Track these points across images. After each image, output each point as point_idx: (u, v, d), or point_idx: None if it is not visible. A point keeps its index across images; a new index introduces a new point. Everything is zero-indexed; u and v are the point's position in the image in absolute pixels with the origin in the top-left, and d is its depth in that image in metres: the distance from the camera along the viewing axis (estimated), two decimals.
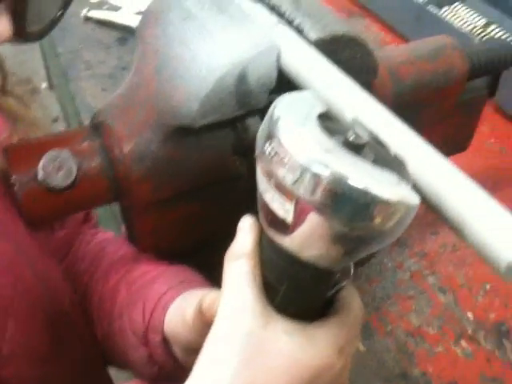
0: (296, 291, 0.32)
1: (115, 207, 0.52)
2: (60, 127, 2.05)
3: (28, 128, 0.55)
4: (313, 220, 0.26)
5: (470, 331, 0.61)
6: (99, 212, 0.56)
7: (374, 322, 0.62)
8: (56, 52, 1.09)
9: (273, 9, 0.44)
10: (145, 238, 0.51)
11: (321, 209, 0.26)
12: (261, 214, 0.31)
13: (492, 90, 0.68)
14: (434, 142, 0.65)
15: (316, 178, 0.25)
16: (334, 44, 0.41)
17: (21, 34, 0.41)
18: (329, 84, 0.36)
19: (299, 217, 0.27)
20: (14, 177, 0.43)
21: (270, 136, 0.28)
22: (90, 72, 1.01)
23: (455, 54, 0.57)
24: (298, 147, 0.26)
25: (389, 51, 0.58)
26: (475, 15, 0.95)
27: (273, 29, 0.41)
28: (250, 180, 0.32)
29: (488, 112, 0.68)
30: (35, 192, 0.43)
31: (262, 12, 0.43)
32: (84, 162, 0.45)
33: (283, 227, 0.28)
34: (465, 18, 0.95)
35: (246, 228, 0.34)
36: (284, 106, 0.29)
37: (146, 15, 0.49)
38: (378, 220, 0.25)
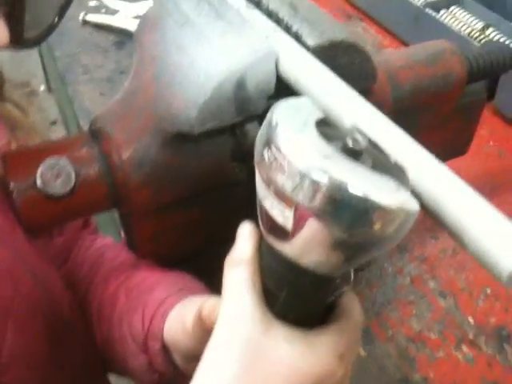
0: (296, 298, 0.32)
1: (114, 213, 0.52)
2: (58, 130, 2.05)
3: (26, 134, 0.55)
4: (312, 226, 0.26)
5: (470, 336, 0.61)
6: (99, 217, 0.56)
7: (375, 328, 0.62)
8: (54, 56, 1.09)
9: (270, 15, 0.44)
10: (144, 244, 0.51)
11: (320, 215, 0.26)
12: (260, 221, 0.31)
13: (491, 93, 0.68)
14: (434, 146, 0.65)
15: (315, 184, 0.25)
16: (332, 50, 0.41)
17: (18, 40, 0.41)
18: (327, 90, 0.36)
19: (298, 223, 0.27)
20: (12, 184, 0.43)
21: (268, 142, 0.28)
22: (87, 76, 1.01)
23: (454, 59, 0.57)
24: (296, 154, 0.26)
25: (387, 55, 0.58)
26: (473, 18, 0.95)
27: (271, 35, 0.41)
28: (250, 185, 0.32)
29: (487, 115, 0.68)
30: (33, 199, 0.43)
31: (260, 18, 0.43)
32: (82, 169, 0.44)
33: (283, 234, 0.28)
34: (462, 21, 0.95)
35: (246, 234, 0.34)
36: (282, 112, 0.29)
37: (144, 20, 0.49)
38: (377, 226, 0.25)
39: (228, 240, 0.36)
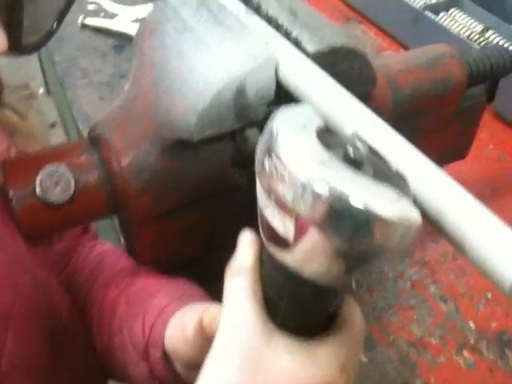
0: (297, 307, 0.31)
1: (114, 219, 0.52)
2: (57, 133, 2.05)
3: (25, 139, 0.55)
4: (313, 237, 0.26)
5: (472, 341, 0.61)
6: (98, 223, 0.56)
7: (376, 333, 0.61)
8: (52, 60, 1.09)
9: (270, 21, 0.43)
10: (144, 250, 0.51)
11: (321, 226, 0.25)
12: (261, 229, 0.31)
13: (490, 95, 0.68)
14: (434, 150, 0.65)
15: (316, 195, 0.25)
16: (332, 56, 0.41)
17: (16, 47, 0.41)
18: (327, 97, 0.36)
19: (299, 233, 0.27)
20: (11, 192, 0.43)
21: (269, 151, 0.27)
22: (86, 80, 1.01)
23: (454, 63, 0.57)
24: (297, 163, 0.26)
25: (387, 59, 0.58)
26: (472, 21, 0.95)
27: (270, 41, 0.41)
28: (250, 191, 0.32)
29: (486, 118, 0.68)
30: (33, 207, 0.43)
31: (260, 24, 0.43)
32: (82, 176, 0.44)
33: (284, 243, 0.28)
34: (462, 24, 0.95)
35: (247, 242, 0.33)
36: (282, 121, 0.28)
37: (144, 26, 0.49)
38: (378, 237, 0.25)
39: (228, 246, 0.36)
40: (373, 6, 1.12)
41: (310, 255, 0.27)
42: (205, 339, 0.40)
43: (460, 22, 0.96)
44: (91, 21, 1.13)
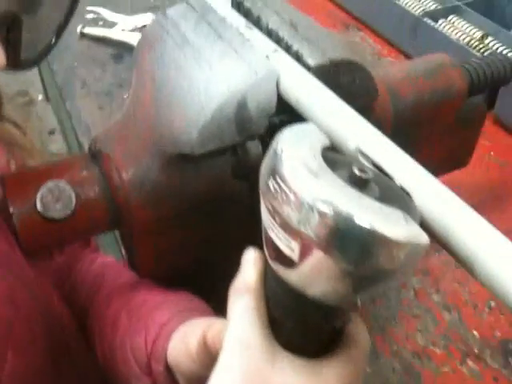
0: (302, 326, 0.31)
1: (116, 232, 0.51)
2: (57, 140, 2.05)
3: (25, 153, 0.55)
4: (319, 258, 0.26)
5: (476, 350, 0.60)
6: (100, 236, 0.56)
7: (380, 343, 0.61)
8: (51, 69, 1.08)
9: (270, 34, 0.43)
10: (145, 263, 0.51)
11: (326, 248, 0.25)
12: (265, 248, 0.31)
13: (490, 102, 0.68)
14: (435, 158, 0.65)
15: (321, 216, 0.25)
16: (333, 69, 0.41)
17: (15, 62, 0.41)
18: (328, 111, 0.36)
19: (305, 254, 0.26)
20: (11, 208, 0.42)
21: (273, 172, 0.27)
22: (85, 90, 1.00)
23: (454, 72, 0.57)
24: (302, 185, 0.26)
25: (387, 68, 0.58)
26: (471, 27, 0.95)
27: (271, 55, 0.41)
28: (252, 201, 0.31)
29: (487, 125, 0.67)
30: (33, 223, 0.43)
31: (260, 38, 0.43)
32: (83, 192, 0.44)
33: (289, 263, 0.28)
34: (461, 31, 0.95)
35: (251, 261, 0.33)
36: (287, 141, 0.28)
37: (143, 40, 0.48)
38: (384, 259, 0.25)
39: (230, 255, 0.36)
40: (372, 13, 1.12)
41: (315, 276, 0.27)
42: (208, 355, 0.40)
43: (459, 29, 0.96)
44: (90, 30, 1.13)
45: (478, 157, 0.68)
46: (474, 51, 0.91)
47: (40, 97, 2.29)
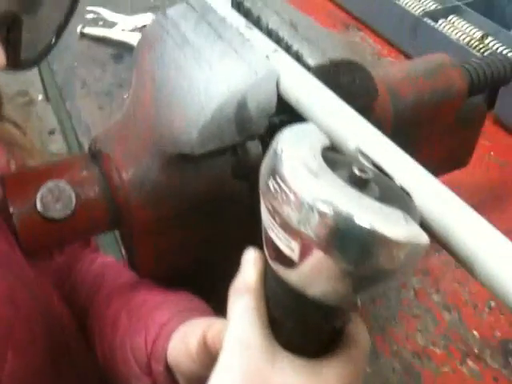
0: (302, 326, 0.31)
1: (116, 232, 0.51)
2: (57, 139, 2.05)
3: (25, 153, 0.55)
4: (319, 258, 0.26)
5: (476, 350, 0.60)
6: (101, 236, 0.56)
7: (379, 343, 0.61)
8: (51, 69, 1.08)
9: (270, 34, 0.43)
10: (145, 263, 0.51)
11: (326, 248, 0.25)
12: (265, 248, 0.31)
13: (491, 102, 0.68)
14: (435, 158, 0.65)
15: (321, 217, 0.25)
16: (333, 69, 0.41)
17: (15, 62, 0.41)
18: (328, 111, 0.36)
19: (305, 254, 0.26)
20: (11, 208, 0.42)
21: (273, 172, 0.27)
22: (85, 90, 1.00)
23: (454, 72, 0.57)
24: (302, 185, 0.26)
25: (387, 68, 0.58)
26: (471, 27, 0.95)
27: (271, 55, 0.41)
28: (252, 201, 0.31)
29: (487, 125, 0.67)
30: (33, 223, 0.43)
31: (260, 38, 0.43)
32: (83, 192, 0.44)
33: (289, 263, 0.28)
34: (461, 31, 0.95)
35: (251, 261, 0.33)
36: (287, 141, 0.28)
37: (143, 40, 0.48)
38: (384, 259, 0.25)
39: (229, 255, 0.36)
40: (372, 13, 1.12)
41: (315, 276, 0.27)
42: (208, 355, 0.40)
43: (459, 29, 0.96)
44: (90, 30, 1.13)
45: (478, 157, 0.68)
46: (474, 51, 0.91)
47: (40, 97, 2.30)
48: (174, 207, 0.46)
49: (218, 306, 0.36)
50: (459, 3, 1.00)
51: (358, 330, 0.32)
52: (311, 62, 0.40)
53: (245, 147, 0.44)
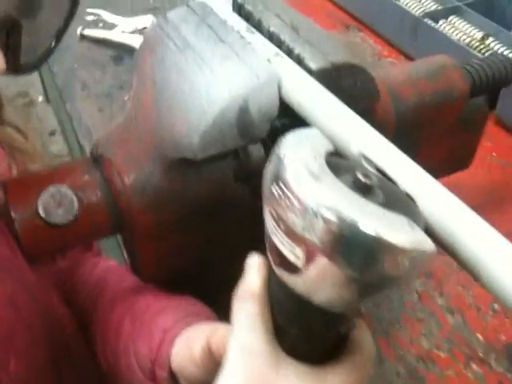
0: (306, 332, 0.31)
1: (118, 236, 0.51)
2: (58, 141, 2.05)
3: (26, 157, 0.55)
4: (323, 265, 0.26)
5: (480, 353, 0.60)
6: (103, 240, 0.55)
7: (384, 347, 0.61)
8: (51, 71, 1.08)
9: (272, 38, 0.43)
10: (148, 267, 0.51)
11: (331, 254, 0.25)
12: (269, 254, 0.30)
13: (492, 103, 0.68)
14: (437, 160, 0.65)
15: (325, 223, 0.24)
16: (335, 73, 0.41)
17: (15, 67, 0.41)
18: (330, 114, 0.36)
19: (309, 260, 0.26)
20: (13, 213, 0.42)
21: (276, 177, 0.27)
22: (86, 92, 1.00)
23: (456, 74, 0.57)
24: (306, 190, 0.25)
25: (388, 70, 0.58)
26: (472, 28, 0.95)
27: (272, 59, 0.41)
28: (254, 205, 0.31)
29: (489, 126, 0.67)
30: (35, 229, 0.42)
31: (261, 41, 0.43)
32: (85, 196, 0.44)
33: (293, 269, 0.28)
34: (462, 31, 0.95)
35: (254, 267, 0.33)
36: (290, 146, 0.28)
37: (144, 43, 0.48)
38: (389, 266, 0.24)
39: (232, 258, 0.36)
40: (372, 13, 1.12)
41: (320, 282, 0.27)
42: (212, 361, 0.39)
43: (460, 30, 0.96)
44: (90, 32, 1.13)
45: (479, 158, 0.68)
46: (475, 52, 0.90)
47: (40, 98, 2.30)
48: (176, 212, 0.46)
49: (221, 311, 0.36)
50: (460, 4, 1.00)
51: (363, 336, 0.32)
52: (313, 65, 0.40)
53: (247, 151, 0.44)
